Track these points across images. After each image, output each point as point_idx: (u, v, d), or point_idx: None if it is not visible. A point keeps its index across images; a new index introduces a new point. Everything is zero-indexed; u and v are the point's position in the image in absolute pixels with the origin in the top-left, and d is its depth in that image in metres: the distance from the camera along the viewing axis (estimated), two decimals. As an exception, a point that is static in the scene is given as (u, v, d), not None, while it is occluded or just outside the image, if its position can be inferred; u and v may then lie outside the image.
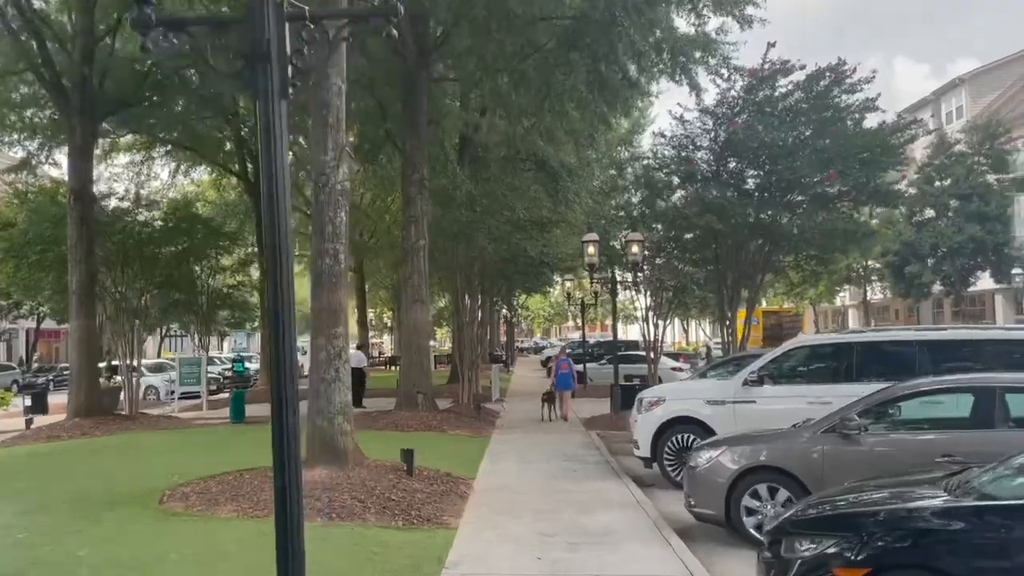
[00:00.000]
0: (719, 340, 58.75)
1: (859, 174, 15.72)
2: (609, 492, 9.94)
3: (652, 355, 22.56)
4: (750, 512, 7.55)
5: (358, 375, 23.69)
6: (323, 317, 9.48)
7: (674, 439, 10.76)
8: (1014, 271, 30.13)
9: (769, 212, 17.73)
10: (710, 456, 7.92)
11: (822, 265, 20.29)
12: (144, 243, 20.07)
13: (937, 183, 33.30)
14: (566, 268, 25.63)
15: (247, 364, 31.56)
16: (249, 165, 29.93)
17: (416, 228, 17.29)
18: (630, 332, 77.19)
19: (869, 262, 39.45)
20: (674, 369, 29.63)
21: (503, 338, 58.85)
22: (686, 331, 73.81)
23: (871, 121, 17.23)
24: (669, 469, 10.75)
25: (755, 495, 7.57)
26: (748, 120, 16.42)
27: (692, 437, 10.64)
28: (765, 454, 7.66)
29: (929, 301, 40.19)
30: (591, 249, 17.56)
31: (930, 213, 33.49)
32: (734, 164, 18.57)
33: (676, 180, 19.68)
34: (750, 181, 18.80)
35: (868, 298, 44.19)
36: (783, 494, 7.46)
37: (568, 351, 31.49)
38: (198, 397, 23.09)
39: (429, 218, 17.95)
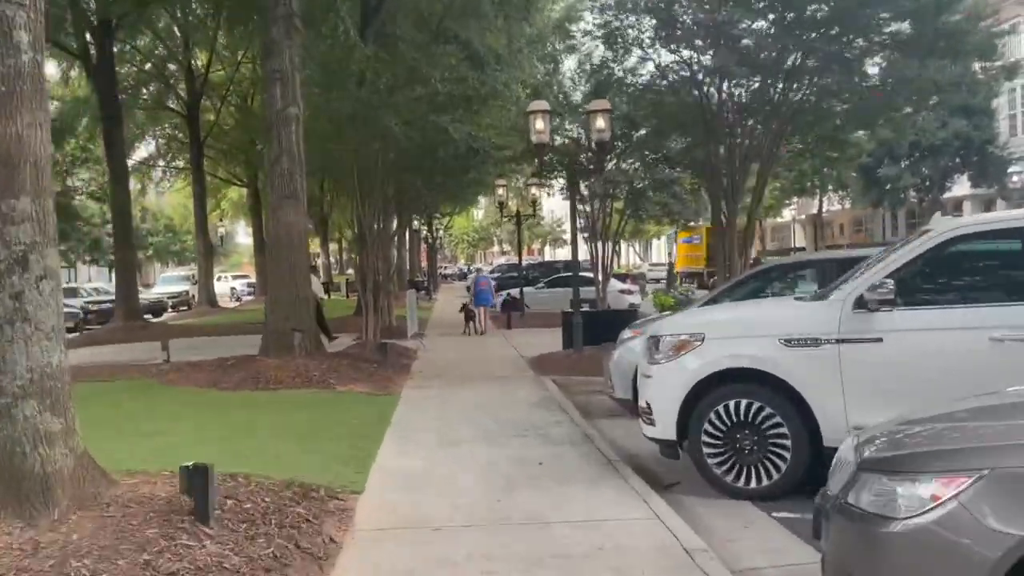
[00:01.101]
0: (655, 261, 55.03)
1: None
2: (614, 519, 5.06)
3: (601, 277, 18.92)
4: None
5: (315, 305, 17.80)
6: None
7: (722, 410, 5.89)
8: (1011, 169, 26.31)
9: (781, 79, 12.98)
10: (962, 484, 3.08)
11: (838, 148, 15.66)
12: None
13: None
14: (505, 162, 20.41)
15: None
16: (90, 39, 23.37)
17: (284, 88, 11.65)
18: (558, 254, 73.79)
19: (826, 170, 35.56)
20: (622, 292, 25.84)
21: (424, 263, 53.87)
22: (616, 253, 70.22)
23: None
24: (714, 462, 5.91)
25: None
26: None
27: (757, 406, 5.82)
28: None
29: (879, 213, 36.73)
30: (539, 123, 12.35)
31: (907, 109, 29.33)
32: (729, 11, 13.58)
33: (648, 37, 14.63)
34: (746, 40, 13.87)
35: (823, 210, 40.44)
36: None
37: (497, 275, 27.58)
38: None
39: (303, 75, 12.41)
